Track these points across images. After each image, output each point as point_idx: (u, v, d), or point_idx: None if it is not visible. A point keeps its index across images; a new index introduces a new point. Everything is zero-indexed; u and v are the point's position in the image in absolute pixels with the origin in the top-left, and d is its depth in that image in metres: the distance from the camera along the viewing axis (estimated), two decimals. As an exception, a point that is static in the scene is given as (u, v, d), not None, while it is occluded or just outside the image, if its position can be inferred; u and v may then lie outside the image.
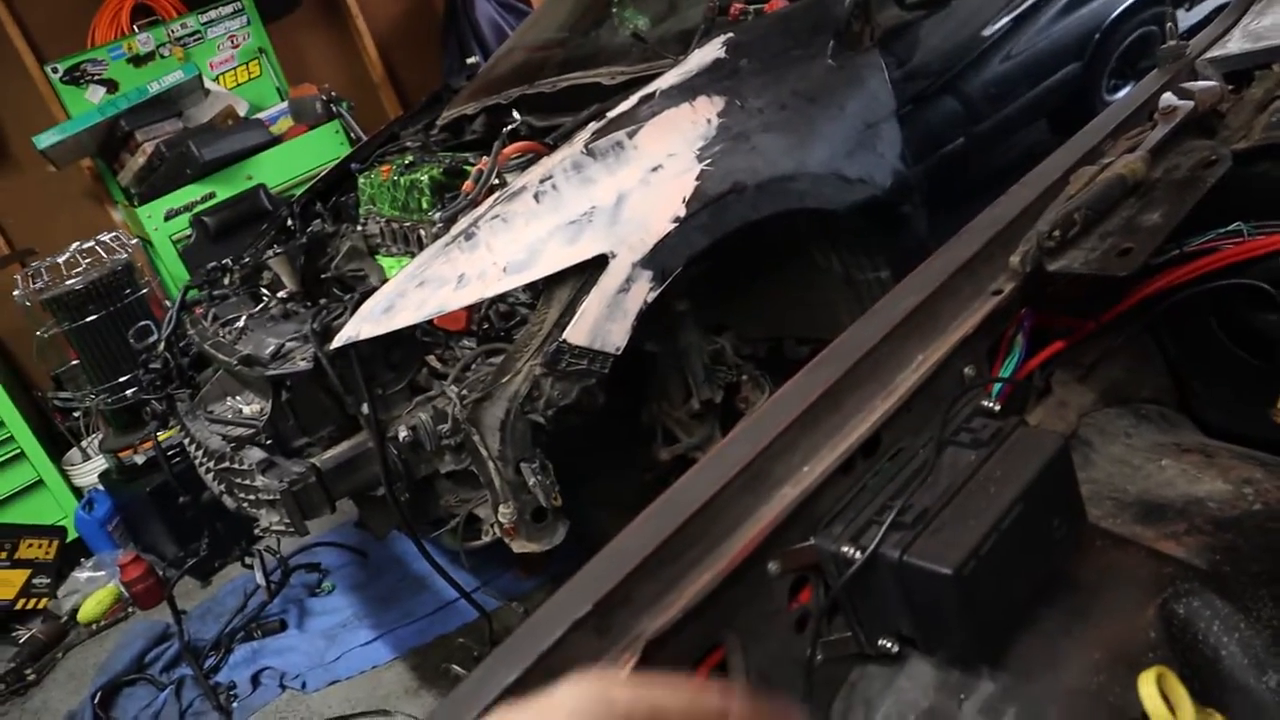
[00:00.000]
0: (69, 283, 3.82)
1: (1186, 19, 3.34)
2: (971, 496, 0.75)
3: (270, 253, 2.80)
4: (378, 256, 2.68)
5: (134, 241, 4.35)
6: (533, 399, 1.92)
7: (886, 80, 2.36)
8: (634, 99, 2.15)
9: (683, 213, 2.00)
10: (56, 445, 4.44)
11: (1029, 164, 1.21)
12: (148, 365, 2.82)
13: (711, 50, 2.26)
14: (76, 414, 4.45)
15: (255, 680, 2.99)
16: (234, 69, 5.10)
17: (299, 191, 3.49)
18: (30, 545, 3.99)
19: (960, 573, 0.68)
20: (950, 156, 2.55)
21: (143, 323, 3.43)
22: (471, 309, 2.08)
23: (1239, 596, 0.75)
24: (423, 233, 2.41)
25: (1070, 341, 1.05)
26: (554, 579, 2.82)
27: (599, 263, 1.93)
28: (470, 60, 3.85)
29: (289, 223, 3.12)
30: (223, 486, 2.24)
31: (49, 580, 3.98)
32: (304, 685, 2.89)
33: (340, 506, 2.13)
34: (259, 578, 3.26)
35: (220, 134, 4.57)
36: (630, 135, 2.07)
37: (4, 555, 3.89)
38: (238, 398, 2.58)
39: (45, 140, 4.32)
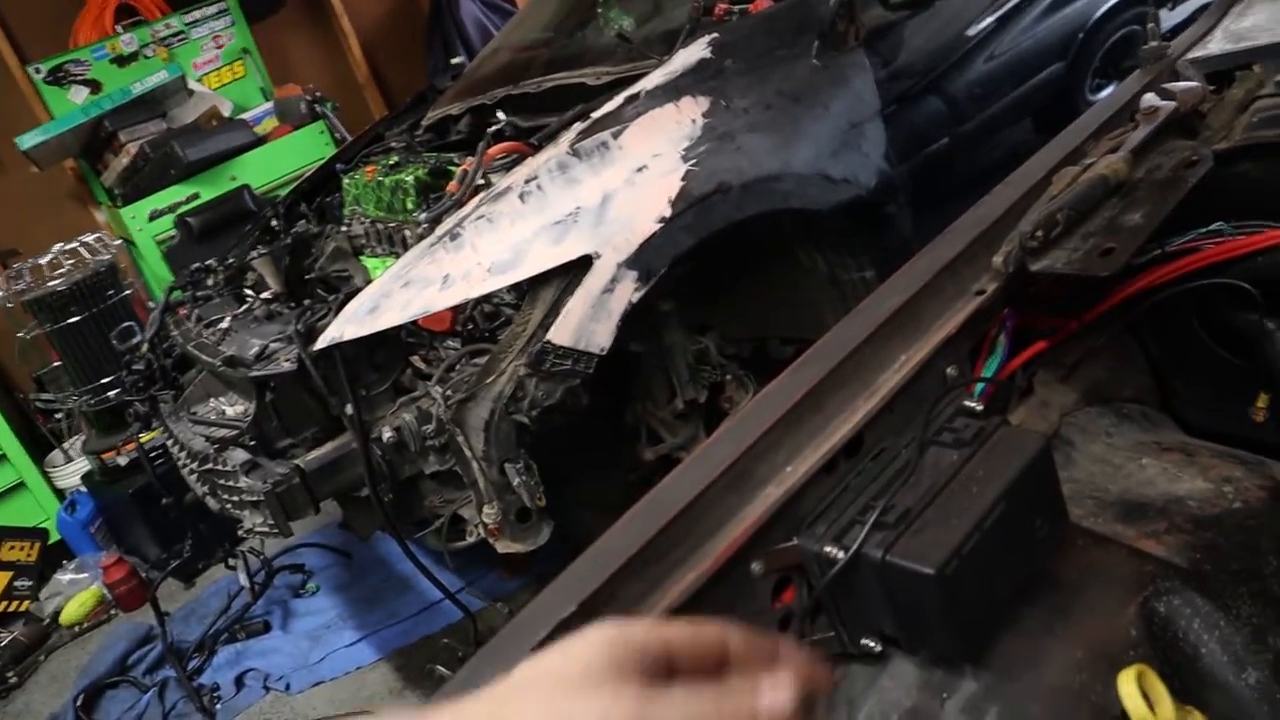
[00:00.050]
0: (52, 284, 3.79)
1: (1169, 19, 3.37)
2: (954, 496, 0.75)
3: (255, 254, 2.79)
4: (362, 257, 2.67)
5: (117, 242, 4.32)
6: (517, 399, 1.92)
7: (871, 80, 2.37)
8: (619, 99, 2.15)
9: (668, 213, 2.00)
10: (39, 447, 4.41)
11: (1013, 163, 1.22)
12: (131, 366, 2.80)
13: (696, 50, 2.26)
14: (59, 416, 4.42)
15: (239, 682, 2.98)
16: (218, 69, 5.07)
17: (283, 192, 3.47)
18: (12, 547, 3.96)
19: (943, 572, 0.68)
20: (935, 156, 2.56)
21: (126, 324, 3.41)
22: (456, 309, 2.07)
23: (1219, 594, 0.75)
24: (407, 233, 2.40)
25: (1052, 341, 1.05)
26: (538, 579, 2.82)
27: (584, 263, 1.93)
28: (455, 60, 3.84)
29: (273, 223, 3.10)
30: (206, 488, 2.23)
31: (31, 583, 3.95)
32: (288, 687, 2.87)
33: (324, 507, 2.12)
34: (242, 579, 3.24)
35: (204, 134, 4.54)
36: (615, 135, 2.07)
37: (-15, 558, 3.87)
38: (221, 399, 2.57)
39: (28, 141, 4.29)
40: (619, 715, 0.39)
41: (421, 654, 2.81)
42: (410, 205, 2.47)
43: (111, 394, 3.80)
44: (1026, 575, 0.77)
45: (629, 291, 1.96)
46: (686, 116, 2.13)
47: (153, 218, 4.40)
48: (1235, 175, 1.09)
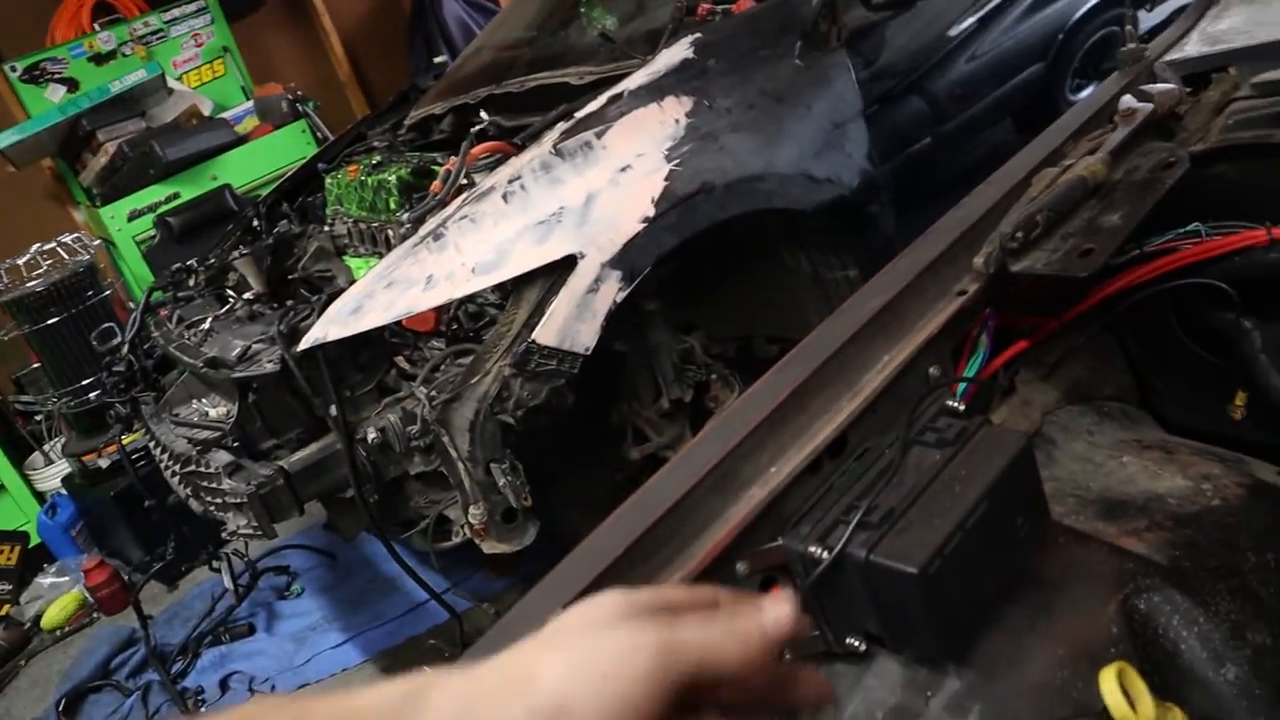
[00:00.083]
0: (30, 284, 3.76)
1: (1148, 20, 3.40)
2: (937, 496, 0.75)
3: (236, 254, 2.77)
4: (345, 257, 2.66)
5: (96, 242, 4.28)
6: (502, 400, 1.92)
7: (853, 80, 2.38)
8: (602, 99, 2.15)
9: (651, 213, 2.00)
10: (18, 449, 4.36)
11: (994, 163, 1.23)
12: (111, 368, 2.78)
13: (679, 50, 2.27)
14: (38, 418, 4.38)
15: (224, 685, 2.96)
16: (198, 68, 5.04)
17: (265, 192, 3.45)
18: (-9, 551, 3.93)
19: (926, 572, 0.69)
20: (917, 156, 2.57)
21: (106, 325, 3.38)
22: (440, 310, 2.07)
23: (1198, 591, 0.76)
24: (390, 233, 2.40)
25: (1034, 341, 1.07)
26: (525, 579, 2.81)
27: (568, 263, 1.93)
28: (438, 59, 3.83)
29: (255, 223, 3.09)
30: (189, 490, 2.21)
31: (11, 586, 3.92)
32: (273, 689, 2.86)
33: (309, 508, 2.12)
34: (226, 581, 3.22)
35: (184, 134, 4.51)
36: (599, 135, 2.07)
37: (-36, 562, 3.83)
38: (204, 400, 2.55)
39: (4, 140, 4.24)
40: (647, 640, 0.43)
41: (408, 655, 2.80)
42: (393, 205, 2.46)
43: (92, 396, 3.77)
44: (1009, 574, 0.78)
45: (613, 291, 1.96)
46: (670, 116, 2.13)
47: (132, 218, 4.37)
48: (1211, 176, 1.10)
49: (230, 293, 2.78)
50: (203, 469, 2.11)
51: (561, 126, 2.11)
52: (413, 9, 5.55)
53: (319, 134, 4.70)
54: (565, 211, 1.97)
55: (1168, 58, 1.36)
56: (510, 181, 2.02)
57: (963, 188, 1.18)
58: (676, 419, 2.38)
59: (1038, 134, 1.30)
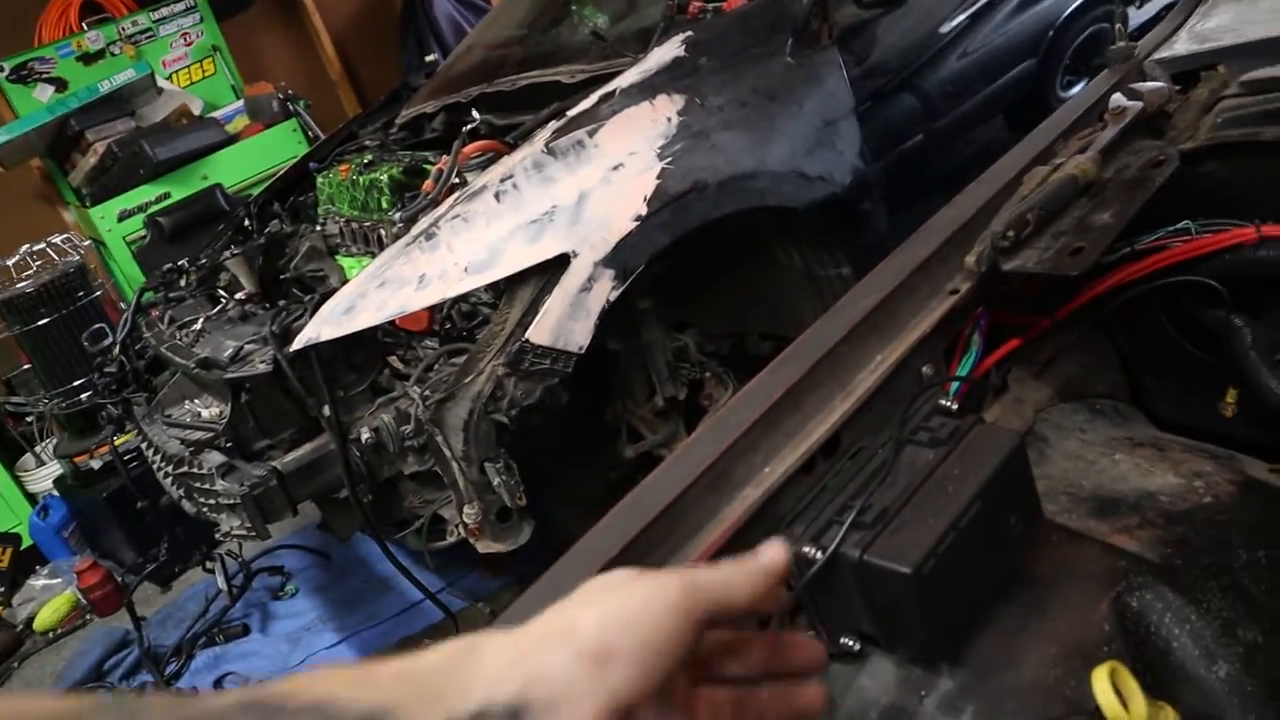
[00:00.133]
0: (19, 285, 3.74)
1: (1137, 16, 3.41)
2: (930, 495, 0.76)
3: (228, 253, 2.76)
4: (337, 257, 2.66)
5: (86, 243, 4.27)
6: (496, 399, 1.92)
7: (845, 78, 2.38)
8: (594, 97, 2.15)
9: (644, 211, 2.00)
10: (9, 451, 4.35)
11: (986, 160, 1.23)
12: (103, 369, 2.77)
13: (671, 48, 2.27)
14: (30, 419, 4.36)
15: (218, 686, 2.96)
16: (187, 67, 5.01)
17: (256, 191, 3.44)
18: (-17, 553, 3.91)
19: (919, 571, 0.69)
20: (909, 153, 2.58)
21: (97, 326, 3.37)
22: (433, 309, 2.07)
23: (1190, 589, 0.77)
24: (383, 232, 2.39)
25: (1026, 339, 1.07)
26: (520, 579, 2.81)
27: (561, 262, 1.93)
28: (429, 58, 3.81)
29: (246, 223, 3.08)
30: (182, 491, 2.21)
31: (3, 589, 3.90)
32: (268, 690, 2.85)
33: (302, 508, 2.11)
34: (220, 582, 3.21)
35: (174, 133, 4.49)
36: (591, 134, 2.07)
37: (-44, 564, 3.82)
38: (196, 401, 2.55)
39: (-8, 140, 4.23)
40: (670, 584, 0.48)
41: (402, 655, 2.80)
42: (385, 204, 2.45)
43: (83, 397, 3.75)
44: (1002, 572, 0.79)
45: (606, 290, 1.96)
46: (662, 115, 2.13)
47: (122, 218, 4.35)
48: (1201, 174, 1.11)
49: (222, 293, 2.77)
50: (195, 470, 2.11)
51: (553, 125, 2.11)
52: (404, 7, 5.54)
53: (310, 133, 4.69)
54: (558, 210, 1.97)
55: (1157, 56, 1.37)
56: (502, 180, 2.02)
57: (955, 184, 1.19)
58: (671, 417, 2.38)
59: (1029, 130, 1.31)
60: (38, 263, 3.88)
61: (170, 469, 2.21)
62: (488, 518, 1.96)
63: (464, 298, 2.07)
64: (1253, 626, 0.75)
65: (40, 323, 3.75)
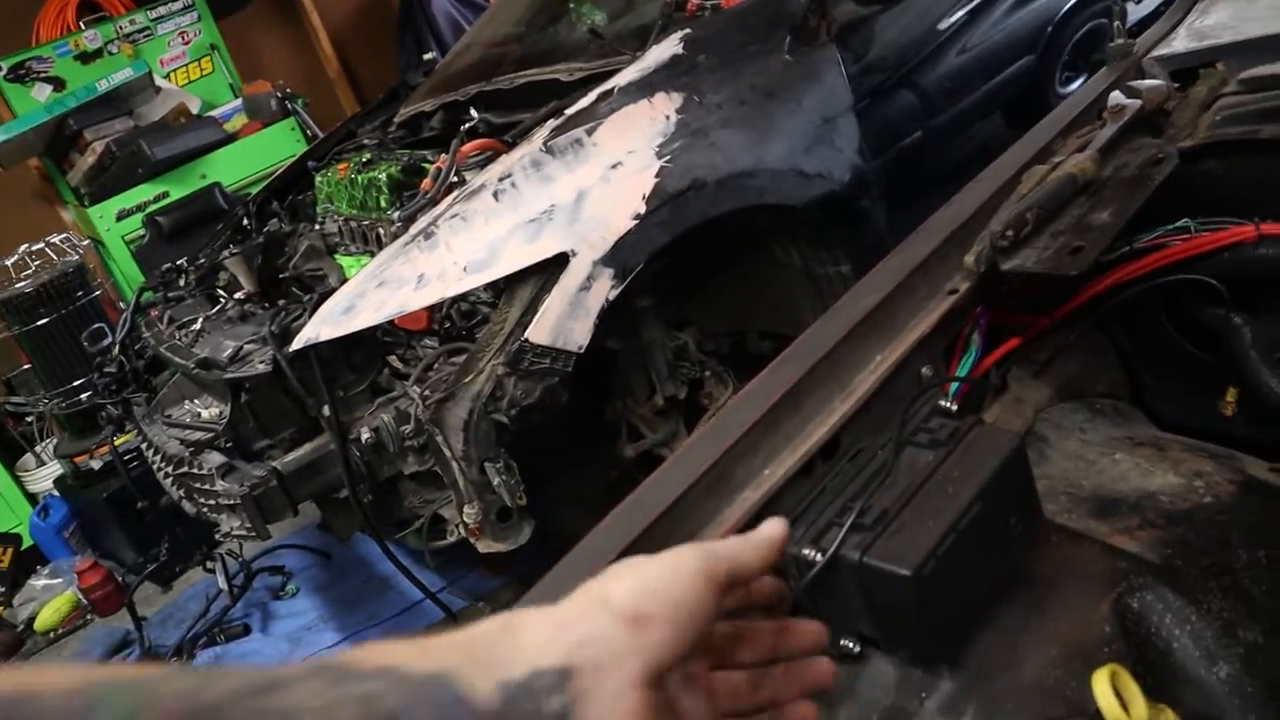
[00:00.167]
0: (18, 285, 3.74)
1: (1136, 11, 3.40)
2: (930, 497, 0.76)
3: (226, 253, 2.76)
4: (336, 256, 2.65)
5: (85, 242, 4.26)
6: (496, 399, 1.91)
7: (843, 75, 2.38)
8: (592, 96, 2.15)
9: (643, 210, 2.00)
10: (10, 451, 4.35)
11: (985, 156, 1.23)
12: (102, 369, 2.77)
13: (669, 46, 2.26)
14: (30, 419, 4.36)
15: (219, 685, 2.95)
16: (185, 66, 5.00)
17: (255, 190, 3.44)
18: (-16, 554, 3.91)
19: (919, 573, 0.69)
20: (908, 150, 2.58)
21: (96, 325, 3.38)
22: (432, 309, 2.07)
23: (1190, 590, 0.77)
24: (381, 231, 2.39)
25: (1025, 338, 1.07)
26: (520, 578, 2.81)
27: (560, 261, 1.93)
28: (427, 56, 3.80)
29: (245, 222, 3.08)
30: (182, 492, 2.21)
31: (4, 589, 3.90)
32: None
33: (303, 508, 2.11)
34: (221, 582, 3.21)
35: (172, 132, 4.49)
36: (589, 132, 2.07)
37: (-43, 565, 3.82)
38: (196, 401, 2.54)
39: (-9, 140, 4.23)
40: (690, 554, 0.52)
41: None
42: (383, 203, 2.45)
43: (83, 397, 3.75)
44: (1002, 574, 0.78)
45: (606, 289, 1.96)
46: (660, 113, 2.13)
47: (121, 217, 4.35)
48: (1200, 172, 1.10)
49: (221, 292, 2.77)
50: (195, 470, 2.10)
51: (552, 123, 2.11)
52: (402, 5, 5.53)
53: (308, 132, 4.69)
54: (556, 209, 1.97)
55: (1155, 53, 1.37)
56: (501, 179, 2.01)
57: (954, 181, 1.19)
58: (671, 416, 2.38)
59: (1028, 127, 1.30)
60: (37, 262, 3.87)
61: (170, 469, 2.21)
62: (488, 517, 1.96)
63: (463, 297, 2.07)
64: (1253, 627, 0.75)
65: (40, 323, 3.75)
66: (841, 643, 0.78)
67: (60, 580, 3.79)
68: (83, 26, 4.73)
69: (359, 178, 2.56)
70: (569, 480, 2.39)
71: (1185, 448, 0.99)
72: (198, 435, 2.20)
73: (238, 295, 2.62)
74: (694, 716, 0.53)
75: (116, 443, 2.96)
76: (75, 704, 0.36)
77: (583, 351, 1.95)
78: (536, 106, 2.34)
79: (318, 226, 2.76)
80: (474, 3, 5.41)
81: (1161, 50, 1.36)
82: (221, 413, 2.23)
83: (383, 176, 2.46)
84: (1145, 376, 1.17)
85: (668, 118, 2.12)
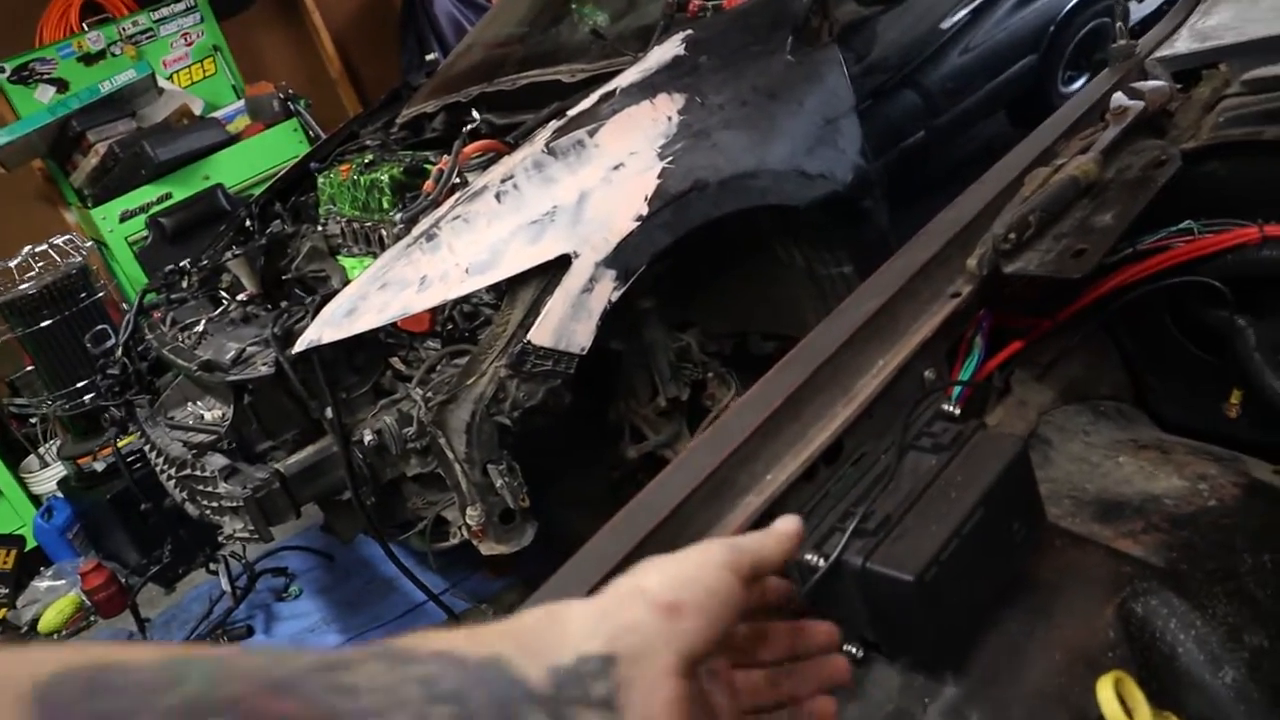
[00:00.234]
0: (22, 287, 3.75)
1: (1139, 10, 3.40)
2: (933, 502, 0.75)
3: (229, 254, 2.76)
4: (339, 257, 2.66)
5: (89, 244, 4.27)
6: (498, 401, 1.91)
7: (845, 75, 2.38)
8: (594, 97, 2.15)
9: (645, 211, 2.00)
10: (13, 452, 4.35)
11: (988, 156, 1.23)
12: (106, 370, 2.78)
13: (671, 47, 2.26)
14: (33, 420, 4.37)
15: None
16: (188, 67, 5.01)
17: (257, 191, 3.44)
18: (-12, 555, 3.92)
19: (922, 579, 0.69)
20: (910, 150, 2.57)
21: (99, 327, 3.38)
22: (435, 310, 2.06)
23: (1194, 594, 0.77)
24: (384, 233, 2.39)
25: (1028, 341, 1.07)
26: (523, 580, 2.81)
27: (562, 263, 1.93)
28: (429, 57, 3.80)
29: (248, 223, 3.08)
30: (185, 494, 2.21)
31: (8, 590, 3.91)
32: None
33: (306, 510, 2.11)
34: (224, 583, 3.22)
35: (175, 133, 4.49)
36: (591, 134, 2.07)
37: (-39, 566, 3.82)
38: (198, 403, 2.55)
39: (-7, 142, 4.23)
40: (716, 547, 0.54)
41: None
42: (386, 204, 2.45)
43: (87, 398, 3.76)
44: (1006, 579, 0.78)
45: (608, 290, 1.96)
46: (662, 114, 2.12)
47: (124, 218, 4.36)
48: (1203, 174, 1.10)
49: (224, 294, 2.78)
50: (198, 472, 2.10)
51: (554, 125, 2.11)
52: (404, 6, 5.53)
53: (311, 133, 4.69)
54: (559, 211, 1.97)
55: (1158, 54, 1.36)
56: (503, 181, 2.01)
57: (956, 181, 1.18)
58: (674, 417, 2.38)
59: (1031, 126, 1.30)
60: (40, 264, 3.88)
61: (173, 471, 2.21)
62: (491, 519, 1.96)
63: (465, 299, 2.07)
64: (1258, 632, 0.75)
65: (43, 324, 3.75)
66: (845, 648, 0.77)
67: (64, 582, 3.80)
68: (86, 28, 4.74)
69: (361, 179, 2.56)
70: (572, 482, 2.39)
71: (1189, 450, 0.99)
72: (200, 437, 2.20)
73: (240, 297, 2.62)
74: (723, 710, 0.56)
75: (120, 444, 2.96)
76: (163, 674, 0.37)
77: (585, 353, 1.95)
78: (539, 108, 2.34)
79: (320, 228, 2.76)
80: (476, 3, 5.41)
81: (1164, 51, 1.36)
82: (224, 415, 2.23)
83: (385, 178, 2.46)
84: (1149, 378, 1.17)
85: (670, 119, 2.12)
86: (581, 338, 1.94)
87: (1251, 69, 1.19)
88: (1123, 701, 0.63)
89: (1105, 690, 0.63)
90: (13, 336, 3.90)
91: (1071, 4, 3.00)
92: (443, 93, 3.02)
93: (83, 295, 3.83)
